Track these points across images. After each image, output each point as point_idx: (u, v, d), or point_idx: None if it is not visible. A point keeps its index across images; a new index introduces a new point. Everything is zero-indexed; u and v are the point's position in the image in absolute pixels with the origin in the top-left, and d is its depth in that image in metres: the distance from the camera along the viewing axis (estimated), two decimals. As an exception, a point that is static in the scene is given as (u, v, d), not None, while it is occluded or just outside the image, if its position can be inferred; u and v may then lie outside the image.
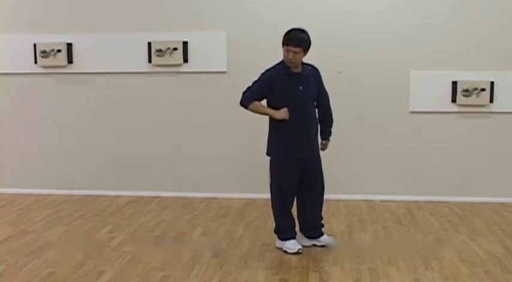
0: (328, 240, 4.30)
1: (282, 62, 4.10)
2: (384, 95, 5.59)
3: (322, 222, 4.37)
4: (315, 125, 4.24)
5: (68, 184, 5.98)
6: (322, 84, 4.25)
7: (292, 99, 4.05)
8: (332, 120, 4.35)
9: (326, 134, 4.36)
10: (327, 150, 4.39)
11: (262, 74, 4.14)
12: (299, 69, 4.10)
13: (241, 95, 4.16)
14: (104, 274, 3.75)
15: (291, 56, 3.97)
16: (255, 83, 4.14)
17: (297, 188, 4.20)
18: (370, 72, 5.58)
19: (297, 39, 3.97)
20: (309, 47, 4.02)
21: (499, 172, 5.61)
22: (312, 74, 4.17)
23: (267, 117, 4.17)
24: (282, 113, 4.05)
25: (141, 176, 5.94)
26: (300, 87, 4.07)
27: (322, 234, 4.32)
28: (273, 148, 4.19)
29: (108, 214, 5.23)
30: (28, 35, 5.87)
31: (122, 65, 5.83)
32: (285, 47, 4.00)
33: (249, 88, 4.15)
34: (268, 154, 4.23)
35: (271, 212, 4.31)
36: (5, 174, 6.11)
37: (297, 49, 3.96)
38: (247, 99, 4.12)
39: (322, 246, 4.26)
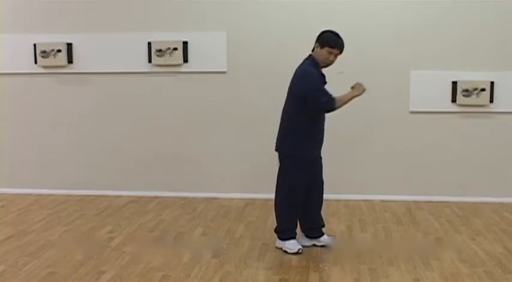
0: (328, 240, 4.31)
1: (312, 61, 4.07)
2: (384, 95, 5.59)
3: (323, 222, 4.37)
4: None
5: (68, 184, 5.98)
6: None
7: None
8: None
9: None
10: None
11: (307, 74, 4.01)
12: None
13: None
14: (104, 274, 3.75)
15: (333, 58, 4.04)
16: (314, 85, 3.98)
17: None
18: (370, 72, 5.57)
19: (343, 45, 4.05)
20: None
21: (499, 172, 5.62)
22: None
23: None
24: (359, 88, 4.07)
25: (141, 176, 5.94)
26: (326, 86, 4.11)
27: (322, 234, 4.32)
28: (298, 147, 4.07)
29: (108, 214, 5.23)
30: (28, 35, 5.87)
31: (122, 65, 5.84)
32: (328, 48, 4.00)
33: (319, 92, 3.96)
34: (287, 153, 4.11)
35: (273, 211, 4.29)
36: (5, 174, 6.11)
37: (339, 55, 4.05)
38: (330, 102, 3.96)
39: (322, 246, 4.26)
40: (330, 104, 3.96)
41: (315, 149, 4.16)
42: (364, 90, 4.06)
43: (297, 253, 4.10)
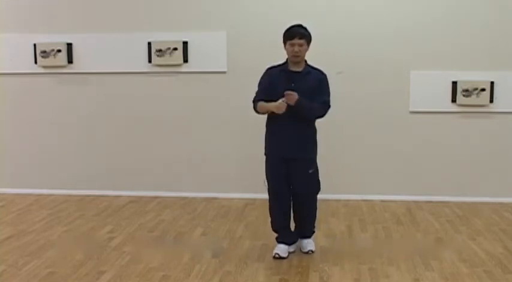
0: (305, 246, 4.17)
1: (285, 62, 4.07)
2: (384, 95, 5.59)
3: (307, 232, 4.22)
4: (305, 127, 4.05)
5: (68, 184, 5.98)
6: (323, 90, 4.03)
7: (281, 96, 3.91)
8: (316, 108, 3.99)
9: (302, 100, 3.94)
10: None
11: (265, 71, 4.13)
12: (300, 68, 4.03)
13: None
14: (104, 274, 3.74)
15: (296, 48, 3.94)
16: (259, 84, 4.12)
17: (287, 189, 4.10)
18: (370, 72, 5.58)
19: (300, 31, 3.98)
20: (310, 40, 4.03)
21: (499, 172, 5.62)
22: (314, 75, 4.03)
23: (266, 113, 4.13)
24: (275, 105, 3.89)
25: (141, 176, 5.94)
26: (292, 85, 3.95)
27: (304, 237, 4.20)
28: (265, 145, 4.16)
29: (108, 214, 5.23)
30: (28, 35, 5.87)
31: (122, 65, 5.84)
32: (288, 42, 3.97)
33: (256, 93, 4.11)
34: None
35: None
36: (5, 174, 6.11)
37: (302, 41, 3.95)
38: (255, 105, 4.08)
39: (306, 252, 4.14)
40: (254, 107, 4.08)
41: (275, 148, 4.05)
42: (276, 108, 3.88)
43: (273, 257, 4.01)
